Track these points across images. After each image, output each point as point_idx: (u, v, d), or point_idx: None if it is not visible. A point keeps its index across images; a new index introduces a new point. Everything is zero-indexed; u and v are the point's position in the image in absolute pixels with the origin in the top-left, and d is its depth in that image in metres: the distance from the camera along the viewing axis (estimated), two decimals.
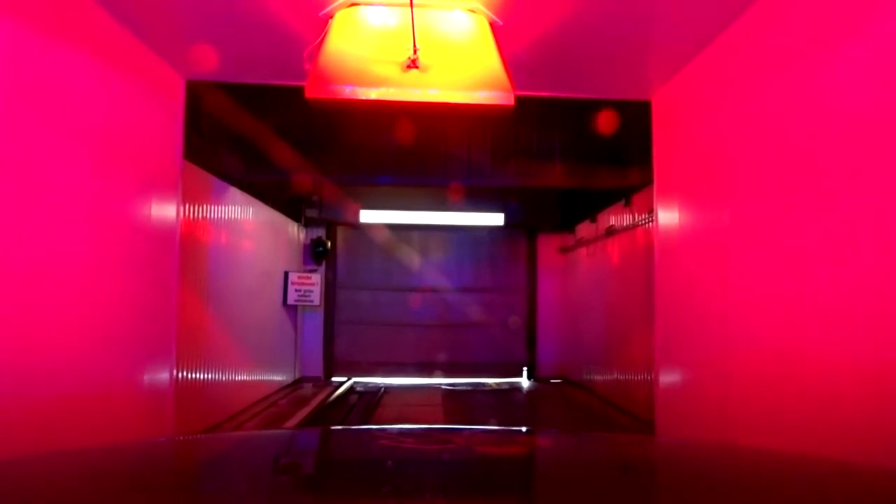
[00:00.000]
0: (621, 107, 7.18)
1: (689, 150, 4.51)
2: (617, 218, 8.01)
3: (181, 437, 3.32)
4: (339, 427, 4.52)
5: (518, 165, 7.21)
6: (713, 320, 3.98)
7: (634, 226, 7.33)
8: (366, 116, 6.80)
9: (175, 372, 5.00)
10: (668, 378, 4.72)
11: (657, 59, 4.41)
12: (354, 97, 3.44)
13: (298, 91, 6.89)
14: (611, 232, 8.15)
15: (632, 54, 4.32)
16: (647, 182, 7.08)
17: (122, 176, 3.92)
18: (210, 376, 6.40)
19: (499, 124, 7.21)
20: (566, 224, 10.71)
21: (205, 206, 6.33)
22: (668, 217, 4.79)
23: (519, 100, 7.35)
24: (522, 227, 11.19)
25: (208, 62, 4.27)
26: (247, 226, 7.72)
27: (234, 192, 7.19)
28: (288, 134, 7.04)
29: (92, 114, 3.55)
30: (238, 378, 7.33)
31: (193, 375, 5.92)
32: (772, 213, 3.35)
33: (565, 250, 10.83)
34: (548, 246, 11.14)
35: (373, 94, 3.46)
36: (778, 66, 3.32)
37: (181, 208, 5.43)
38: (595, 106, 7.04)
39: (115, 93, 3.84)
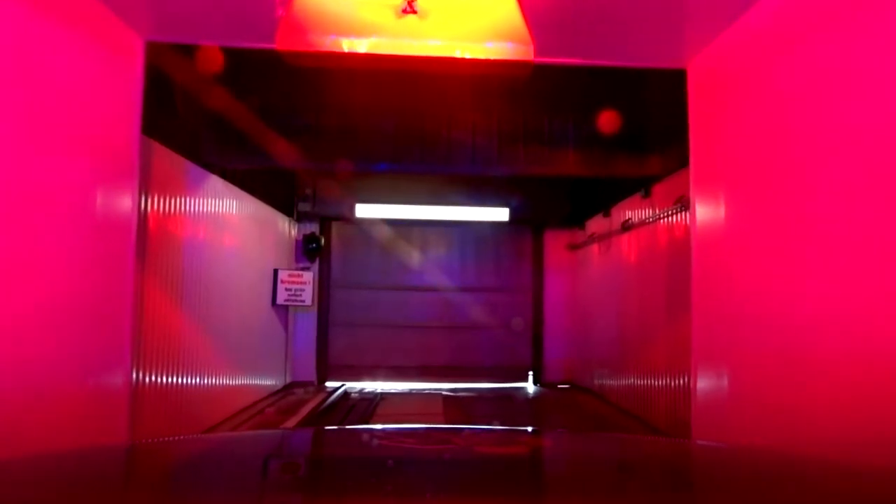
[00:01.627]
0: (641, 87, 6.57)
1: (734, 127, 3.85)
2: (634, 211, 7.35)
3: (182, 438, 3.22)
4: (340, 427, 4.57)
5: (527, 152, 6.55)
6: (767, 323, 3.36)
7: (655, 219, 6.67)
8: (360, 95, 6.17)
9: (135, 375, 4.48)
10: (707, 383, 4.11)
11: (694, 19, 3.77)
12: (337, 50, 2.76)
13: (284, 66, 6.28)
14: (627, 226, 7.49)
15: (665, 13, 3.68)
16: (669, 171, 6.45)
17: (67, 154, 3.27)
18: (186, 381, 5.77)
19: (506, 107, 6.57)
20: (575, 219, 10.07)
21: (179, 196, 5.68)
22: (708, 206, 4.14)
23: (526, 80, 6.74)
24: (528, 223, 10.57)
25: (170, 20, 3.61)
26: (229, 219, 7.06)
27: (215, 182, 6.53)
28: (274, 116, 6.39)
29: (28, 78, 2.90)
30: (220, 382, 6.69)
31: (164, 379, 5.30)
32: (839, 202, 2.76)
33: (574, 247, 10.18)
34: (555, 242, 10.51)
35: (360, 45, 2.78)
36: (840, 26, 2.70)
37: (143, 194, 4.81)
38: (613, 85, 6.42)
39: (60, 54, 3.19)
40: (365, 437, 1.88)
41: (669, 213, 6.25)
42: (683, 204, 5.80)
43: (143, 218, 4.90)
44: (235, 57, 5.55)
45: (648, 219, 6.86)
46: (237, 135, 6.35)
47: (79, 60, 3.40)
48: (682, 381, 5.86)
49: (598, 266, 9.04)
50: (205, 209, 6.29)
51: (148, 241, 5.00)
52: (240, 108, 6.32)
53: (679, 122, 6.36)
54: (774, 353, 3.26)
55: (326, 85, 6.37)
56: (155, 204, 5.15)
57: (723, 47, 3.95)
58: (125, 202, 3.77)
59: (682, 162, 6.14)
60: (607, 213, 8.41)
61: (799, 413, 3.01)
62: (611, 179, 8.27)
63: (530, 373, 10.62)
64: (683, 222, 5.93)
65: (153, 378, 5.11)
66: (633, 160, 6.66)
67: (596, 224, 8.99)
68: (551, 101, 6.60)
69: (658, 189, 6.65)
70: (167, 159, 5.45)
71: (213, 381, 6.50)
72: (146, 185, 4.97)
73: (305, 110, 6.42)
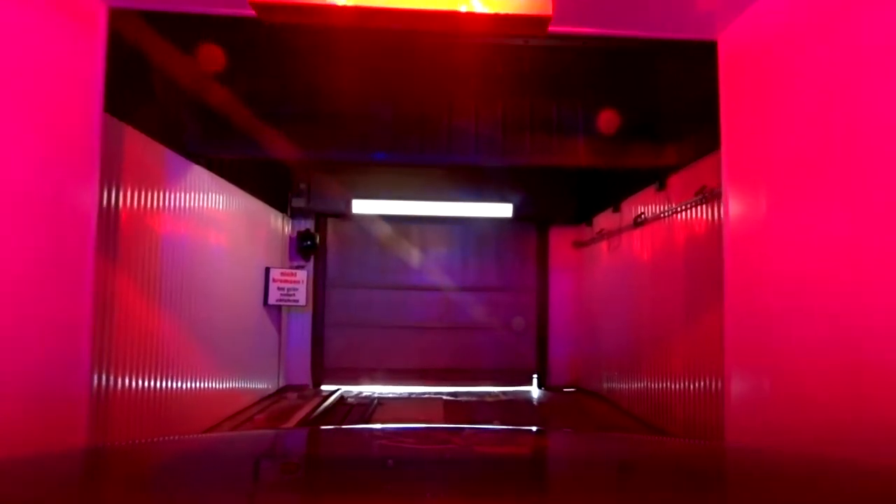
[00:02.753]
0: (655, 72, 6.13)
1: (771, 106, 3.42)
2: (647, 205, 6.91)
3: (182, 437, 3.12)
4: (340, 427, 4.57)
5: (534, 141, 6.11)
6: (811, 321, 2.98)
7: (671, 213, 6.22)
8: (356, 80, 5.73)
9: (104, 379, 4.16)
10: (742, 385, 3.70)
11: None
12: (321, 1, 2.31)
13: (274, 49, 5.84)
14: (640, 222, 7.05)
15: None
16: (686, 161, 6.01)
17: (12, 134, 2.83)
18: (166, 385, 5.34)
19: (511, 92, 6.12)
20: (582, 216, 9.64)
21: (158, 187, 5.24)
22: (742, 195, 3.71)
23: (534, 62, 6.29)
24: (533, 220, 10.14)
25: None
26: (216, 214, 6.61)
27: (200, 173, 6.08)
28: (263, 102, 5.95)
29: None
30: (206, 386, 6.25)
31: (141, 383, 4.89)
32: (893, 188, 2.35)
33: (580, 245, 9.74)
34: (561, 240, 10.08)
35: None
36: None
37: (114, 185, 4.38)
38: (625, 69, 5.98)
39: (10, 20, 2.76)
40: (365, 436, 1.88)
41: (688, 206, 5.80)
42: (705, 195, 5.36)
43: (114, 211, 4.47)
44: (221, 38, 5.14)
45: (663, 213, 6.42)
46: (223, 122, 5.91)
47: (30, 26, 2.96)
48: (701, 385, 5.43)
49: (606, 264, 8.60)
50: (188, 203, 5.84)
51: (120, 236, 4.57)
52: (226, 94, 5.88)
53: (697, 108, 5.94)
54: (818, 353, 2.99)
55: (319, 69, 5.93)
56: (128, 196, 4.71)
57: (758, 16, 3.52)
58: (83, 190, 3.32)
59: (701, 151, 5.71)
60: (617, 209, 7.96)
61: (846, 415, 2.82)
62: (620, 173, 7.85)
63: (534, 376, 10.21)
64: (704, 215, 5.49)
65: (127, 382, 4.68)
66: (647, 150, 6.22)
67: (605, 220, 8.54)
68: (559, 86, 6.16)
69: (674, 181, 6.20)
70: (143, 147, 5.01)
71: (198, 385, 6.07)
72: (118, 175, 4.53)
73: (297, 96, 5.97)
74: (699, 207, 5.58)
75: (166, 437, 2.87)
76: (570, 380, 9.96)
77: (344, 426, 5.53)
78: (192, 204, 5.92)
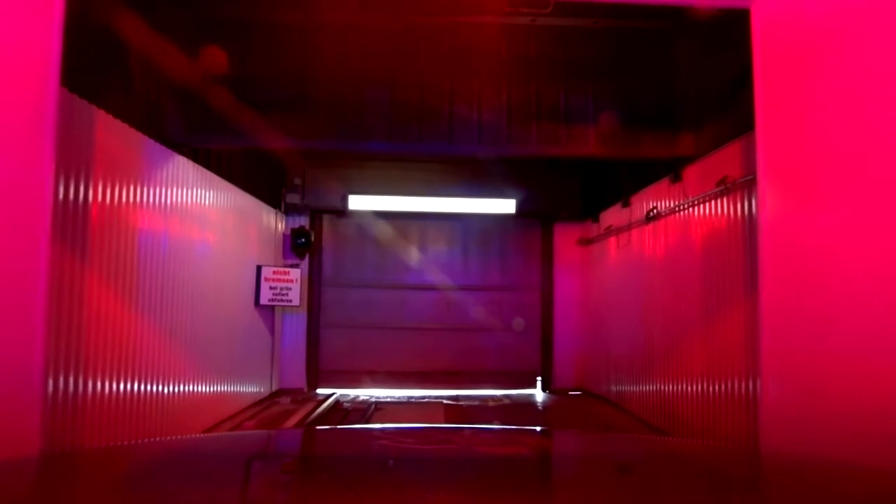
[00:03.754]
0: (670, 55, 5.74)
1: (813, 83, 3.02)
2: (660, 199, 6.51)
3: (183, 437, 3.15)
4: (341, 427, 4.57)
5: (541, 130, 5.71)
6: (859, 319, 2.63)
7: (687, 207, 5.82)
8: (350, 64, 5.34)
9: (62, 382, 3.84)
10: (779, 388, 3.33)
11: None
12: None
13: (262, 30, 5.44)
14: (652, 217, 6.65)
15: None
16: (703, 151, 5.62)
17: None
18: (145, 388, 4.97)
19: (517, 77, 5.72)
20: (588, 212, 9.24)
21: (135, 178, 4.85)
22: (781, 185, 3.31)
23: (541, 46, 5.89)
24: (537, 216, 9.75)
25: None
26: (202, 209, 6.21)
27: (184, 164, 5.69)
28: (251, 87, 5.56)
29: None
30: (189, 390, 5.87)
31: (115, 387, 4.54)
32: None
33: (587, 242, 9.34)
34: (566, 237, 9.69)
35: None
36: None
37: (82, 175, 3.99)
38: (638, 52, 5.60)
39: None
40: (365, 436, 1.88)
41: (707, 198, 5.40)
42: (727, 187, 4.96)
43: (83, 202, 4.08)
44: (205, 19, 4.76)
45: (678, 207, 6.02)
46: (208, 109, 5.52)
47: None
48: (723, 387, 5.04)
49: (615, 262, 8.20)
50: (169, 196, 5.44)
51: (90, 231, 4.19)
52: (211, 79, 5.49)
53: (715, 95, 5.55)
54: (866, 356, 2.67)
55: (312, 52, 5.55)
56: (100, 186, 4.32)
57: None
58: (34, 176, 2.92)
59: (721, 140, 5.32)
60: (626, 203, 7.56)
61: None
62: (630, 166, 7.48)
63: (538, 378, 9.81)
64: (725, 208, 5.09)
65: (99, 385, 4.30)
66: (661, 139, 5.83)
67: (613, 216, 8.14)
68: (568, 72, 5.77)
69: (691, 172, 5.80)
70: (118, 133, 4.62)
71: (181, 389, 5.69)
72: (87, 163, 4.15)
73: (287, 81, 5.58)
74: (719, 200, 5.18)
75: (166, 438, 2.82)
76: (575, 382, 9.58)
77: (344, 426, 5.40)
78: (174, 197, 5.52)
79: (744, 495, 1.19)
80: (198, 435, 3.81)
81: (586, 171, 9.32)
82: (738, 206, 4.85)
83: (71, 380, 3.97)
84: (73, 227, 3.99)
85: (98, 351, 4.29)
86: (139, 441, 2.56)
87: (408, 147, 5.80)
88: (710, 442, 4.98)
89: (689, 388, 5.70)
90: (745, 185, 4.74)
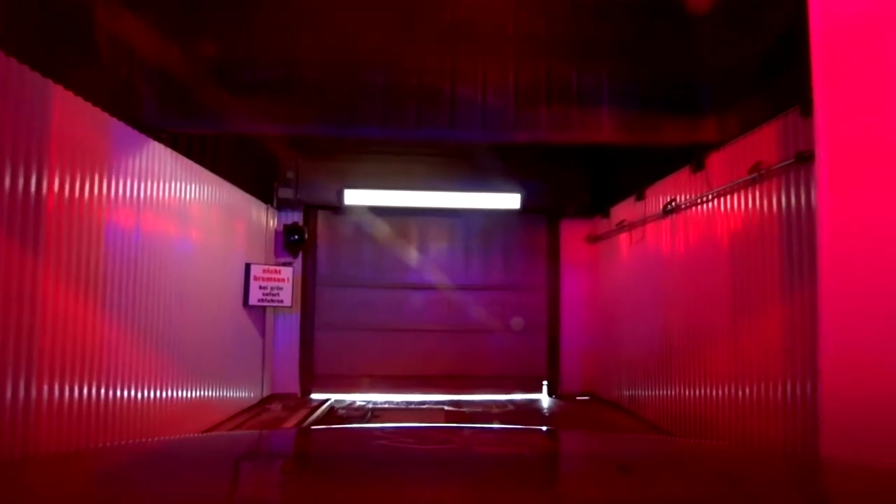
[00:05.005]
0: (691, 33, 5.26)
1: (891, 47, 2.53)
2: (680, 190, 6.01)
3: (182, 437, 3.10)
4: (341, 427, 4.62)
5: (551, 114, 5.22)
6: None
7: (712, 197, 5.33)
8: (343, 43, 4.86)
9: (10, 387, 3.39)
10: (842, 391, 2.85)
11: None
12: None
13: (245, 4, 4.94)
14: (670, 210, 6.15)
15: None
16: (728, 137, 5.13)
17: None
18: (114, 394, 4.52)
19: (525, 56, 5.24)
20: (597, 207, 8.76)
21: (103, 165, 4.36)
22: (848, 166, 2.80)
23: (551, 21, 5.34)
24: (543, 211, 9.28)
25: None
26: (182, 201, 5.71)
27: (160, 152, 5.19)
28: (235, 68, 5.08)
29: None
30: (168, 396, 5.40)
31: (77, 393, 4.07)
32: None
33: (596, 239, 8.85)
34: (573, 234, 9.22)
35: None
36: None
37: (34, 159, 3.49)
38: (657, 29, 5.11)
39: None
40: (364, 436, 1.90)
41: (735, 187, 4.91)
42: (761, 174, 4.47)
43: (35, 192, 3.60)
44: None
45: (701, 198, 5.52)
46: (186, 92, 5.03)
47: None
48: (754, 391, 4.57)
49: (627, 259, 7.71)
50: (144, 186, 4.95)
51: (45, 224, 3.70)
52: (190, 58, 5.01)
53: (742, 75, 5.06)
54: None
55: (300, 29, 5.06)
56: (58, 174, 3.83)
57: None
58: None
59: (750, 123, 4.83)
60: (641, 196, 7.07)
61: None
62: (644, 155, 7.00)
63: (545, 383, 9.33)
64: (758, 198, 4.59)
65: (58, 390, 3.83)
66: (682, 124, 5.34)
67: (625, 210, 7.65)
68: (581, 50, 5.28)
69: (716, 160, 5.31)
70: (81, 114, 4.13)
71: (158, 394, 5.21)
72: (41, 146, 3.65)
73: (274, 61, 5.10)
74: (750, 189, 4.69)
75: (166, 438, 2.73)
76: (583, 387, 9.11)
77: (346, 426, 5.31)
78: (148, 188, 5.03)
79: (745, 495, 1.17)
80: (197, 435, 3.73)
81: (595, 164, 8.85)
82: (774, 194, 4.35)
83: (21, 384, 3.49)
84: (22, 221, 3.50)
85: (55, 354, 3.81)
86: (138, 441, 2.57)
87: (405, 133, 5.31)
88: (710, 442, 4.84)
89: (715, 392, 5.21)
90: (782, 171, 4.25)
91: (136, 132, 4.81)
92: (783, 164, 4.19)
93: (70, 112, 3.99)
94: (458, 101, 5.16)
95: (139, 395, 4.90)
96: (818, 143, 2.80)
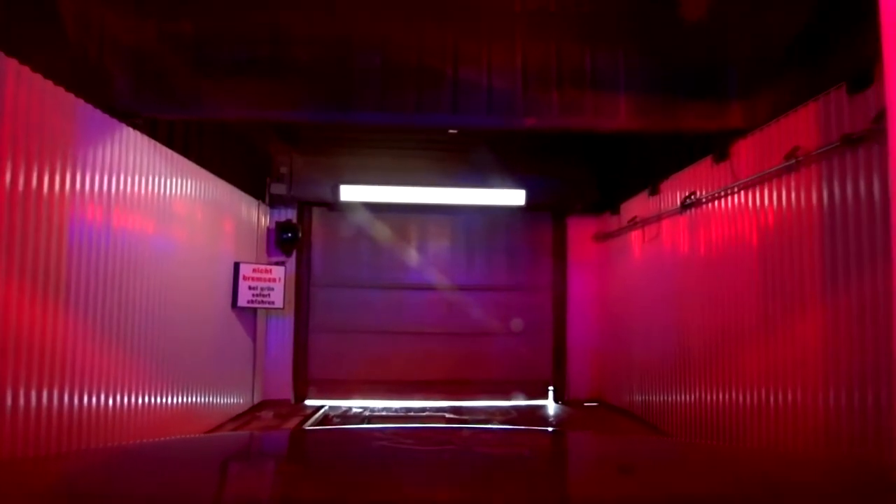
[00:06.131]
0: (716, 10, 4.81)
1: None
2: (700, 183, 5.57)
3: (184, 437, 3.07)
4: (342, 427, 4.72)
5: (563, 98, 4.78)
6: None
7: (738, 189, 4.89)
8: (333, 20, 4.42)
9: None
10: None
11: None
12: None
13: None
14: (689, 204, 5.71)
15: None
16: (759, 121, 4.69)
17: None
18: (79, 402, 4.10)
19: (534, 35, 4.80)
20: (606, 203, 8.34)
21: (65, 152, 3.92)
22: None
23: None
24: (549, 208, 8.87)
25: None
26: (160, 195, 5.26)
27: (135, 138, 4.74)
28: (215, 46, 4.64)
29: None
30: (146, 403, 4.98)
31: (33, 400, 3.63)
32: None
33: (605, 237, 8.41)
34: (581, 231, 8.82)
35: None
36: None
37: None
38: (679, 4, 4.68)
39: None
40: (365, 436, 1.92)
41: (766, 177, 4.47)
42: (798, 160, 4.03)
43: None
44: None
45: (725, 191, 5.08)
46: (164, 73, 4.59)
47: None
48: (790, 397, 4.13)
49: (640, 258, 7.27)
50: (117, 177, 4.51)
51: None
52: (168, 36, 4.58)
53: (772, 56, 4.64)
54: None
55: (288, 4, 4.63)
56: (11, 163, 3.39)
57: None
58: None
59: (779, 108, 4.40)
60: (655, 191, 6.63)
61: None
62: (658, 147, 6.57)
63: (550, 388, 8.90)
64: (793, 188, 4.15)
65: (11, 397, 3.39)
66: (704, 109, 4.90)
67: (637, 206, 7.21)
68: (595, 27, 4.84)
69: (742, 148, 4.87)
70: (42, 94, 3.69)
71: (133, 401, 4.78)
72: None
73: (260, 38, 4.65)
74: (785, 178, 4.24)
75: (167, 437, 2.70)
76: (591, 393, 8.68)
77: (345, 426, 5.24)
78: (123, 179, 4.59)
79: (745, 495, 1.16)
80: (197, 435, 3.70)
81: (604, 158, 8.41)
82: (814, 184, 3.91)
83: None
84: None
85: (7, 358, 3.37)
86: (135, 441, 2.57)
87: (404, 118, 4.86)
88: (710, 442, 4.75)
89: (743, 398, 4.76)
90: (823, 157, 3.81)
91: (106, 117, 4.37)
92: (825, 148, 3.75)
93: (28, 91, 3.55)
94: (460, 83, 4.72)
95: (111, 402, 4.46)
96: (892, 114, 2.36)
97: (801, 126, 4.05)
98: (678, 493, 1.19)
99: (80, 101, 4.08)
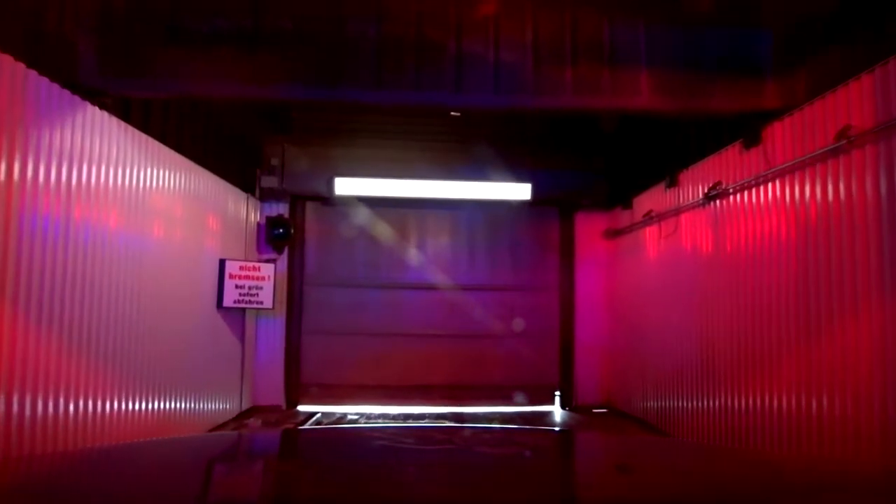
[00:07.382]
0: None
1: None
2: (727, 171, 5.09)
3: (184, 437, 3.07)
4: (342, 427, 4.85)
5: (577, 75, 4.31)
6: None
7: (773, 176, 4.40)
8: None
9: None
10: None
11: None
12: None
13: None
14: (714, 195, 5.23)
15: None
16: (797, 101, 4.21)
17: None
18: (42, 410, 3.60)
19: (545, 4, 4.32)
20: (616, 198, 7.88)
21: (10, 135, 3.43)
22: None
23: None
24: (556, 203, 8.43)
25: None
26: (132, 182, 4.78)
27: (101, 119, 4.26)
28: (190, 16, 4.15)
29: None
30: (121, 409, 4.56)
31: None
32: None
33: (615, 233, 7.95)
34: (589, 228, 8.39)
35: None
36: None
37: None
38: None
39: None
40: (365, 436, 1.88)
41: (808, 161, 3.98)
42: (850, 140, 3.54)
43: None
44: None
45: (757, 179, 4.60)
46: (134, 44, 4.11)
47: None
48: (836, 404, 3.66)
49: (655, 255, 6.79)
50: (79, 163, 4.03)
51: None
52: (138, 4, 4.10)
53: (811, 27, 4.16)
54: None
55: None
56: None
57: None
58: None
59: (826, 85, 3.92)
60: (673, 182, 6.15)
61: None
62: (675, 135, 6.10)
63: (557, 393, 8.46)
64: (842, 174, 3.67)
65: None
66: (736, 88, 4.43)
67: (652, 199, 6.73)
68: None
69: (778, 130, 4.39)
70: None
71: (104, 408, 4.35)
72: None
73: (240, 6, 4.17)
74: (831, 162, 3.76)
75: (167, 437, 2.60)
76: (600, 398, 8.24)
77: (347, 426, 5.21)
78: (87, 165, 4.10)
79: (745, 496, 1.15)
80: (197, 435, 3.77)
81: (615, 148, 7.93)
82: (869, 168, 3.43)
83: None
84: None
85: None
86: (133, 441, 2.60)
87: (402, 96, 4.37)
88: (709, 443, 4.68)
89: (779, 404, 4.28)
90: (881, 136, 3.32)
91: (67, 93, 3.88)
92: (883, 126, 3.27)
93: None
94: (464, 58, 4.25)
95: (72, 408, 3.98)
96: None
97: (853, 102, 3.56)
98: (678, 493, 1.18)
99: (33, 74, 3.60)
